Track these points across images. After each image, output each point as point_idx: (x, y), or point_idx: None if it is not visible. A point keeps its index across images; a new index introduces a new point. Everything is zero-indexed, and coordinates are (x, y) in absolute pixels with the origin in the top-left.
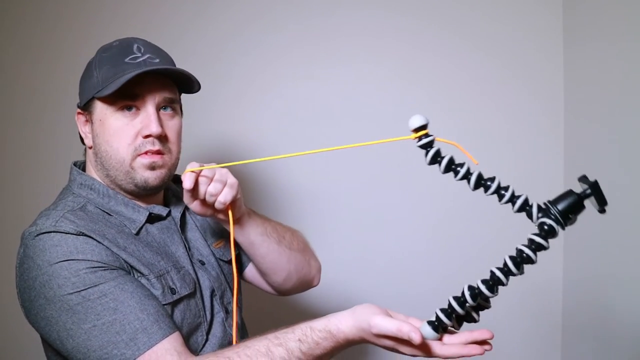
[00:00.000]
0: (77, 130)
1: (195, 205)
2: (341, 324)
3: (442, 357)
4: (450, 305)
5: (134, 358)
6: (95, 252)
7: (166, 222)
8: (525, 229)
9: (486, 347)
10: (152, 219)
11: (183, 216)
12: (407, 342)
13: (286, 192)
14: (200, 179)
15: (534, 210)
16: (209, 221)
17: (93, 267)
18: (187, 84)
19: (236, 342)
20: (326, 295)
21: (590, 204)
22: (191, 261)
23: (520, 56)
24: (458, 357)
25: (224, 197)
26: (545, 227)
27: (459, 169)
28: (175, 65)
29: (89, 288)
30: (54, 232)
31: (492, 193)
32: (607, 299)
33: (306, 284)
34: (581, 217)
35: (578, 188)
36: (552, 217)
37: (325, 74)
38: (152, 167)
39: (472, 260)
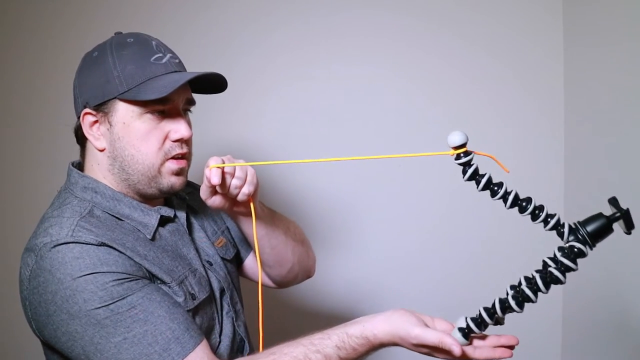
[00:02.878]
0: (73, 130)
1: (214, 200)
2: (377, 330)
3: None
4: (480, 315)
5: None
6: (119, 263)
7: (175, 224)
8: (528, 227)
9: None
10: (162, 221)
11: (187, 217)
12: (443, 350)
13: (287, 192)
14: (225, 174)
15: (565, 231)
16: (208, 221)
17: (119, 279)
18: (213, 85)
19: (263, 343)
20: (327, 292)
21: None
22: (201, 262)
23: (520, 56)
24: (491, 359)
25: (248, 188)
26: (575, 250)
27: (496, 188)
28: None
29: (117, 301)
30: (73, 242)
31: (528, 214)
32: (607, 290)
33: (305, 275)
34: (581, 218)
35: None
36: (581, 238)
37: (326, 74)
38: (178, 173)
39: (474, 258)
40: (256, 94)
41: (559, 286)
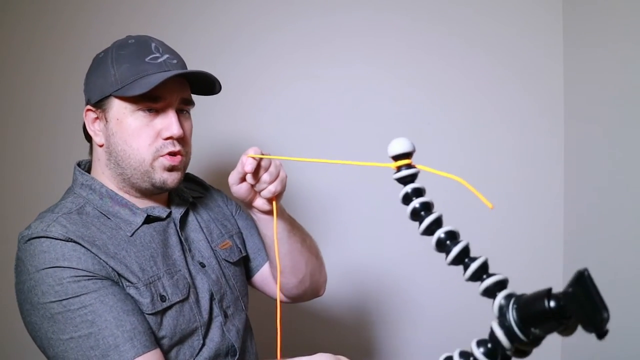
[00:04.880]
0: (82, 127)
1: (240, 187)
2: None
3: None
4: None
5: None
6: (81, 260)
7: (164, 223)
8: (530, 228)
9: None
10: (150, 220)
11: (185, 216)
12: None
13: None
14: (259, 166)
15: (496, 302)
16: (216, 223)
17: (77, 276)
18: (206, 85)
19: (280, 349)
20: (330, 300)
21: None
22: (187, 263)
23: (520, 56)
24: None
25: (275, 186)
26: (494, 337)
27: (424, 216)
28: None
29: (70, 298)
30: (43, 237)
31: (452, 262)
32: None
33: (315, 292)
34: (582, 218)
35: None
36: (506, 325)
37: (326, 74)
38: (171, 169)
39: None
40: (256, 94)
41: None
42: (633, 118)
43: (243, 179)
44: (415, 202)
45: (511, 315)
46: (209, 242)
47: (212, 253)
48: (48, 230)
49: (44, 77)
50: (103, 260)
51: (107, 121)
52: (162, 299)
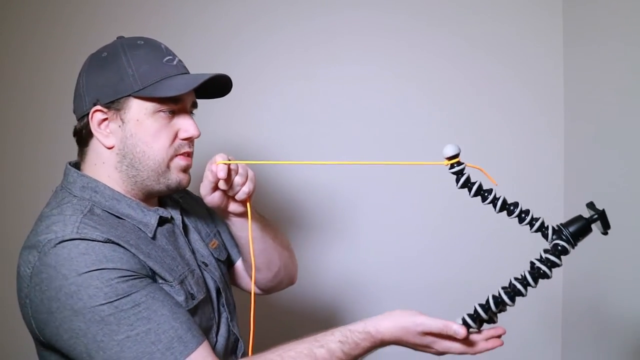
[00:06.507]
0: (73, 129)
1: (214, 196)
2: (380, 326)
3: (474, 352)
4: (476, 311)
5: None
6: (124, 260)
7: (171, 225)
8: (522, 231)
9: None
10: (160, 221)
11: (182, 218)
12: (445, 338)
13: (286, 191)
14: (229, 170)
15: (549, 232)
16: (201, 223)
17: (124, 276)
18: (217, 89)
19: (252, 346)
20: (320, 295)
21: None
22: (197, 263)
23: (520, 56)
24: (485, 351)
25: (248, 187)
26: (559, 248)
27: (486, 194)
28: None
29: (121, 298)
30: (78, 239)
31: (515, 217)
32: (606, 294)
33: (289, 281)
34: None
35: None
36: (564, 238)
37: (326, 74)
38: (185, 170)
39: (476, 260)
40: (256, 94)
41: (558, 286)
42: (633, 118)
43: (215, 188)
44: (476, 185)
45: (566, 232)
46: (204, 242)
47: (209, 252)
48: (81, 232)
49: (44, 77)
50: (142, 260)
51: (123, 122)
52: (192, 297)
